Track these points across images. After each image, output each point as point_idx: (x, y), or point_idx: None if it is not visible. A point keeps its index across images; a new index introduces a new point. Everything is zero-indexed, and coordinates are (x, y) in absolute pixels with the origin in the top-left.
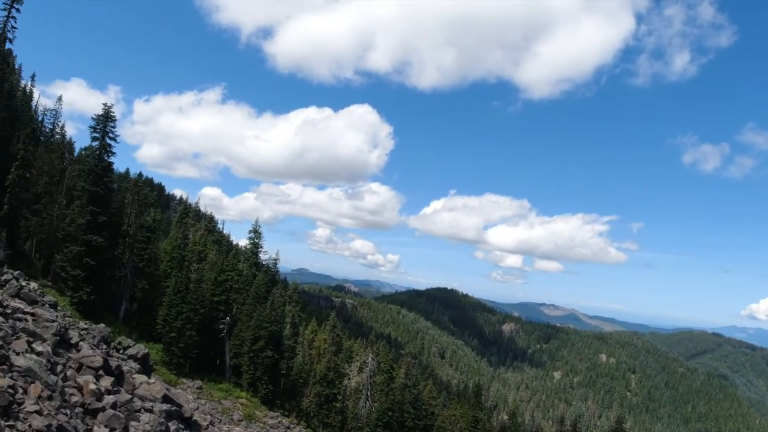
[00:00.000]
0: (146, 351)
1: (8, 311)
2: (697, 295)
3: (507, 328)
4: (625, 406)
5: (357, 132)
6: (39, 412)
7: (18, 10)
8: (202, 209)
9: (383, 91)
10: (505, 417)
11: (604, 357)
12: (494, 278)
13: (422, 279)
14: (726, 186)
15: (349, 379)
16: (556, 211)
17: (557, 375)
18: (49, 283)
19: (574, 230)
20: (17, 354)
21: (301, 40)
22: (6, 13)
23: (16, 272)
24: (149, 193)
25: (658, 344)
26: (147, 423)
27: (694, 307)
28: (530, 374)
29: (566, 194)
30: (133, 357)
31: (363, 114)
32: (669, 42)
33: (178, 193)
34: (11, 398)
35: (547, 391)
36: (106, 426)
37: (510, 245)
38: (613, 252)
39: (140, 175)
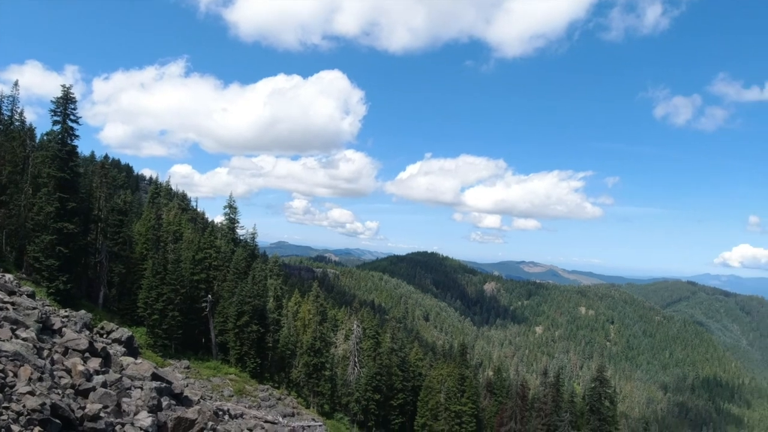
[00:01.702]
0: (130, 333)
1: None
2: (672, 246)
3: (489, 287)
4: (605, 355)
5: (328, 98)
6: (32, 393)
7: None
8: (174, 188)
9: (353, 56)
10: (491, 373)
11: (583, 310)
12: (474, 239)
13: (402, 244)
14: (698, 138)
15: (336, 347)
16: (532, 169)
17: (539, 330)
18: (24, 275)
19: (550, 187)
20: (2, 340)
21: (263, 5)
22: None
23: None
24: (117, 175)
25: (635, 295)
26: (139, 399)
27: (669, 257)
28: (513, 331)
29: (542, 152)
30: (117, 340)
31: (333, 80)
32: None
33: (147, 173)
34: (2, 381)
35: (530, 346)
36: (99, 403)
37: (488, 206)
38: (589, 207)
39: (106, 157)
